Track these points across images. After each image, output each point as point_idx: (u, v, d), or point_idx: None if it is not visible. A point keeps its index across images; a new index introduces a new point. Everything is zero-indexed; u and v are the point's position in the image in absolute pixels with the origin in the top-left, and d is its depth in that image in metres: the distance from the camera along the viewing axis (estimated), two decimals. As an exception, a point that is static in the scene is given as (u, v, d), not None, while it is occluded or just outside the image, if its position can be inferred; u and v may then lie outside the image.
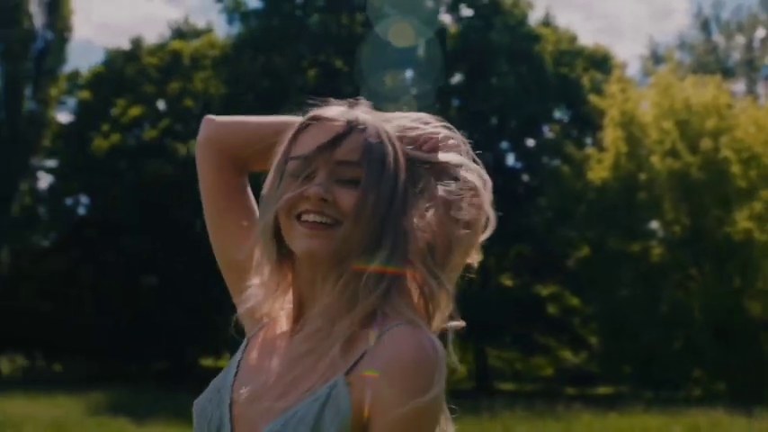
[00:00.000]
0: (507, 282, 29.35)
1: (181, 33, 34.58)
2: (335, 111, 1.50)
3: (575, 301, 28.00)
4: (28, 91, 28.99)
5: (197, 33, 34.20)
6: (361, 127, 1.47)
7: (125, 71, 31.67)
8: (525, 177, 28.37)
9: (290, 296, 1.54)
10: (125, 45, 33.06)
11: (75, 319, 28.41)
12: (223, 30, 32.28)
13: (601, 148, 24.49)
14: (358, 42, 25.69)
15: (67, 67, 32.49)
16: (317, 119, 1.49)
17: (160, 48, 32.71)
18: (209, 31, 34.07)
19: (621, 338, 23.35)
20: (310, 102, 1.55)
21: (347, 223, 1.41)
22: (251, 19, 27.82)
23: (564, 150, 25.72)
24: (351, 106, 1.53)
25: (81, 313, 29.27)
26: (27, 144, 28.63)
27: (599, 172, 23.71)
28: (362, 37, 25.87)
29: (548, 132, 28.11)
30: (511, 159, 28.74)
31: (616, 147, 23.50)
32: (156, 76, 31.22)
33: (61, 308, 29.40)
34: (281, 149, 1.51)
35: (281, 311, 1.55)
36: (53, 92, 29.84)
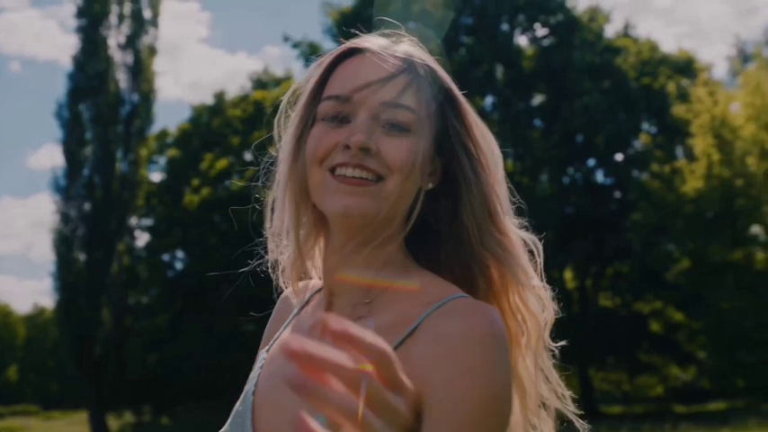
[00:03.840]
0: (607, 302, 28.73)
1: (261, 83, 35.30)
2: (381, 41, 1.27)
3: (679, 316, 27.21)
4: (119, 153, 29.89)
5: (277, 82, 34.84)
6: (415, 62, 1.24)
7: (211, 125, 32.43)
8: (617, 194, 27.82)
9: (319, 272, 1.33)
10: (210, 100, 33.94)
11: (180, 372, 28.92)
12: (302, 75, 32.79)
13: (692, 157, 23.87)
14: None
15: (158, 127, 33.58)
16: (358, 50, 1.25)
17: (242, 99, 33.44)
18: (288, 78, 34.68)
19: (732, 351, 22.54)
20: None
21: (393, 179, 1.18)
22: (327, 62, 28.22)
23: (654, 164, 25.18)
24: (395, 41, 1.30)
25: (187, 366, 29.80)
26: (122, 205, 29.46)
27: (693, 182, 23.07)
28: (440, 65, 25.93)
29: (637, 145, 27.55)
30: (600, 176, 28.26)
31: (708, 154, 22.85)
32: (241, 127, 31.87)
33: (166, 362, 29.99)
34: (309, 86, 1.27)
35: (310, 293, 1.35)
36: (143, 152, 30.71)
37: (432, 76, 1.25)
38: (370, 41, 1.26)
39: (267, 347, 1.36)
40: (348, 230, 1.21)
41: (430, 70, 1.26)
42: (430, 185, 1.26)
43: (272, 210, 1.32)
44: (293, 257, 1.30)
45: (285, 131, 1.31)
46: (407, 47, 1.28)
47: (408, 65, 1.23)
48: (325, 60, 1.28)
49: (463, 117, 1.29)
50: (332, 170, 1.19)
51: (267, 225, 1.33)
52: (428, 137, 1.22)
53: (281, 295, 1.43)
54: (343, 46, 1.27)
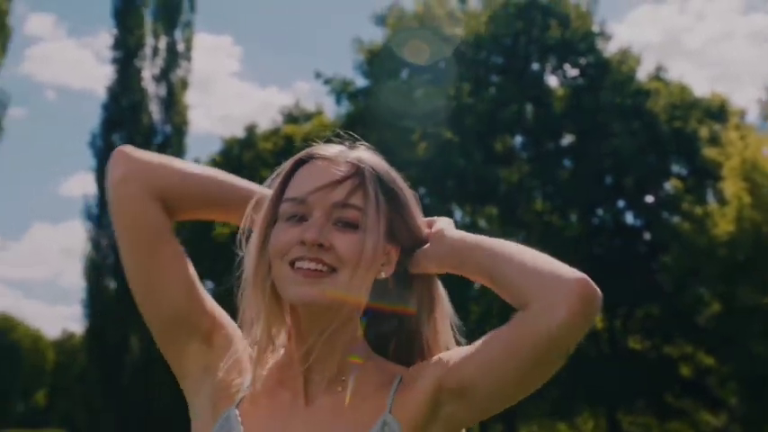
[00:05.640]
0: (636, 345, 28.43)
1: (292, 118, 35.58)
2: (335, 149, 1.47)
3: (709, 361, 26.84)
4: (151, 183, 30.20)
5: (308, 117, 35.11)
6: (363, 167, 1.43)
7: (242, 158, 32.69)
8: (647, 235, 27.64)
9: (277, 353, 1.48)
10: (241, 133, 34.26)
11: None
12: (332, 111, 33.02)
13: (723, 201, 23.69)
14: (466, 113, 25.83)
15: (189, 158, 33.81)
16: (313, 156, 1.45)
17: (273, 133, 33.70)
18: (319, 113, 34.94)
19: (764, 397, 22.19)
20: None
21: (345, 270, 1.35)
22: (359, 98, 28.40)
23: (684, 206, 25.03)
24: (351, 147, 1.50)
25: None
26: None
27: (724, 226, 22.88)
28: (470, 107, 26.01)
29: (667, 187, 27.40)
30: (630, 218, 28.12)
31: (739, 198, 22.68)
32: (272, 160, 32.10)
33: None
34: (273, 189, 1.45)
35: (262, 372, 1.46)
36: (174, 183, 31.00)
37: (378, 179, 1.43)
38: (325, 149, 1.46)
39: (235, 404, 1.45)
40: (310, 317, 1.38)
41: (377, 174, 1.44)
42: (383, 275, 1.43)
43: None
44: (263, 344, 1.44)
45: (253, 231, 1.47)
46: (360, 152, 1.48)
47: (357, 169, 1.42)
48: (285, 167, 1.46)
49: (408, 216, 1.48)
50: (291, 264, 1.36)
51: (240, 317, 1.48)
52: (377, 231, 1.39)
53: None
54: (299, 154, 1.46)
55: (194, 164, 1.56)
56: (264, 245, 1.41)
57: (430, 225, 1.52)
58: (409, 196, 1.50)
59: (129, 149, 1.48)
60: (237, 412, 1.43)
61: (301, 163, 1.45)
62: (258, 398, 1.44)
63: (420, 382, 1.40)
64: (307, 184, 1.40)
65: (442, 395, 1.37)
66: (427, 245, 1.47)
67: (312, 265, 1.34)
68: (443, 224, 1.48)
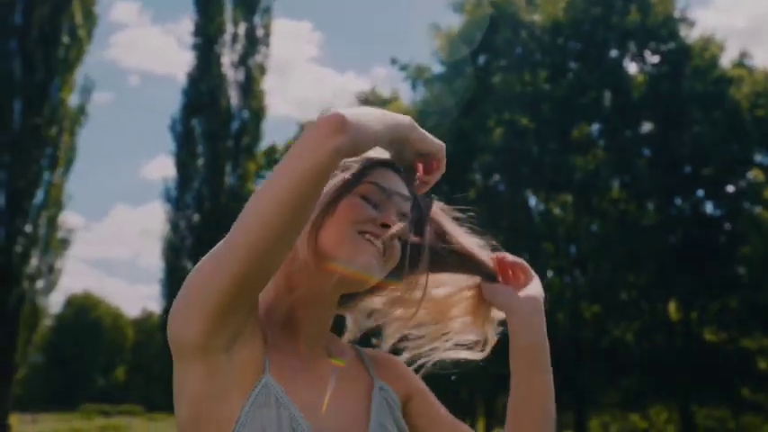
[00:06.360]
0: (711, 336, 27.88)
1: (369, 103, 35.74)
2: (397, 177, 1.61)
3: (789, 355, 26.18)
4: (228, 167, 30.70)
5: (384, 102, 35.21)
6: (418, 201, 1.59)
7: (317, 142, 33.00)
8: (727, 225, 27.02)
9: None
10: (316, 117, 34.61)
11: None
12: (408, 97, 33.01)
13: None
14: (542, 99, 25.59)
15: (266, 143, 34.36)
16: (390, 165, 1.59)
17: (349, 118, 33.92)
18: (395, 99, 35.01)
19: None
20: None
21: (387, 263, 1.52)
22: (434, 84, 28.34)
23: (766, 195, 24.38)
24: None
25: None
26: (229, 217, 30.14)
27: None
28: (547, 94, 25.76)
29: (749, 177, 26.71)
30: (709, 207, 27.50)
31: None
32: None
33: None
34: (354, 165, 1.55)
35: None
36: (251, 166, 31.47)
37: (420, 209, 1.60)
38: (394, 166, 1.60)
39: (267, 372, 1.42)
40: (342, 286, 1.51)
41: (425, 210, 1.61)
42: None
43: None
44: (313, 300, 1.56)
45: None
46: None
47: (416, 198, 1.59)
48: (372, 161, 1.57)
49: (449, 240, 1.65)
50: (359, 233, 1.49)
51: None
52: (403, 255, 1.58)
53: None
54: (383, 157, 1.59)
55: (381, 114, 1.51)
56: (332, 205, 1.50)
57: (508, 268, 1.69)
58: (449, 227, 1.65)
59: (348, 116, 1.41)
60: (274, 379, 1.41)
61: (382, 164, 1.59)
62: (278, 364, 1.45)
63: (408, 377, 1.68)
64: (392, 183, 1.56)
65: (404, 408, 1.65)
66: (512, 299, 1.63)
67: (380, 245, 1.49)
68: (534, 294, 1.65)
